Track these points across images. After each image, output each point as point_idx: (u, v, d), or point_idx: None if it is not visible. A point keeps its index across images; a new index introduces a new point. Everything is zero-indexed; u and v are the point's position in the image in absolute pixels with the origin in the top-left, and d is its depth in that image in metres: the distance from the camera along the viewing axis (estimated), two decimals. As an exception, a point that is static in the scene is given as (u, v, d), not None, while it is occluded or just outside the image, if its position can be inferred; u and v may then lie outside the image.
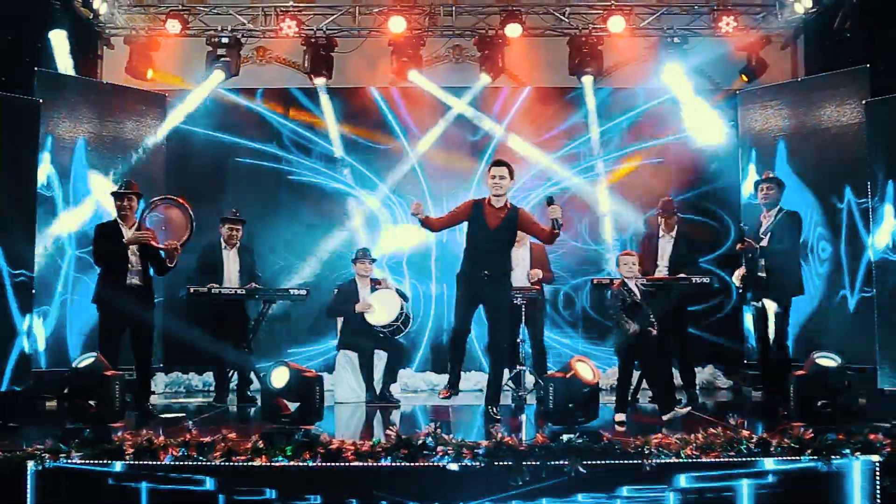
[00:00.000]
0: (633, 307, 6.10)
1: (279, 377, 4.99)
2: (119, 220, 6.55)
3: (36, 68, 7.83)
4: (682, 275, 7.21)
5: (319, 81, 9.26)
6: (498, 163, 6.19)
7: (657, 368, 6.28)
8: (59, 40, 8.18)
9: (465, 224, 6.24)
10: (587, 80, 9.22)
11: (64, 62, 8.27)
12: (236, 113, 9.57)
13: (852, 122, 7.94)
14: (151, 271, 6.73)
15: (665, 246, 7.45)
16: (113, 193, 6.79)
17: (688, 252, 7.42)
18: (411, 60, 9.15)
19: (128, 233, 6.46)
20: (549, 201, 6.07)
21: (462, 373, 8.71)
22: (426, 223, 6.16)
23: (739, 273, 6.57)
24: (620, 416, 6.01)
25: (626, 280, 6.20)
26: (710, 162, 9.29)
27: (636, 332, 6.00)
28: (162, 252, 6.60)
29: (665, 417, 6.02)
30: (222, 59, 8.98)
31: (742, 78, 9.20)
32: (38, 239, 7.38)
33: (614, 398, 6.27)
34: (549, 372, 6.41)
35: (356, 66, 9.45)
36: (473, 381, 8.60)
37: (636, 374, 6.78)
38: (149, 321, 6.70)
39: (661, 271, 7.36)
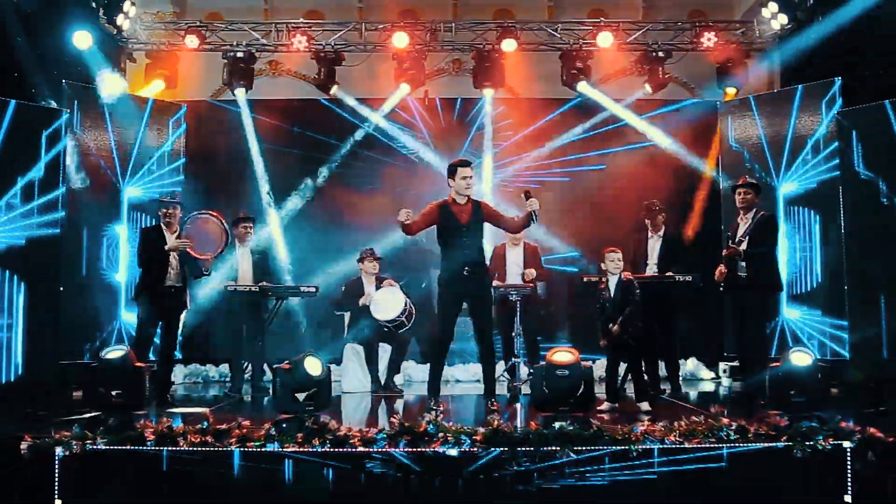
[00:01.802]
0: (614, 305, 6.11)
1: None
2: (163, 226, 6.58)
3: (63, 80, 7.84)
4: (667, 273, 7.23)
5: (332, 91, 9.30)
6: (466, 163, 6.04)
7: (636, 362, 6.29)
8: (85, 54, 8.21)
9: (436, 228, 6.00)
10: (582, 87, 9.24)
11: (89, 75, 8.29)
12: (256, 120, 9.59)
13: (826, 131, 7.96)
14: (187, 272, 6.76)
15: (653, 246, 7.46)
16: (158, 201, 6.80)
17: (675, 251, 7.42)
18: (414, 73, 9.20)
19: (170, 238, 6.51)
20: (527, 195, 5.86)
21: (462, 364, 8.84)
22: (405, 228, 5.89)
23: (720, 272, 6.58)
24: (604, 406, 6.02)
25: (609, 277, 6.20)
26: (693, 168, 9.30)
27: (616, 332, 6.03)
28: (198, 260, 6.64)
29: (638, 403, 6.10)
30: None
31: (726, 93, 9.20)
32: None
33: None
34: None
35: (362, 78, 9.47)
36: (472, 372, 8.60)
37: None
38: (179, 319, 6.72)
39: (651, 269, 7.36)
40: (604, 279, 6.25)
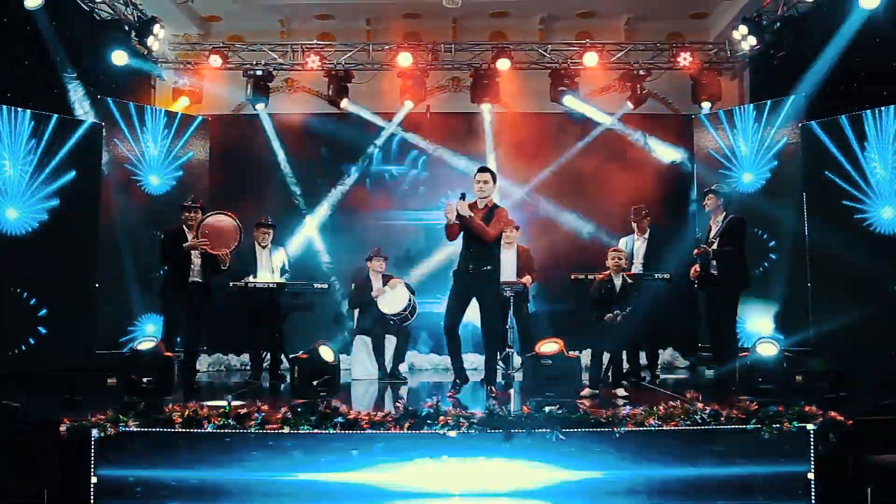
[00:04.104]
0: (608, 297, 6.14)
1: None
2: (185, 228, 6.58)
3: (99, 96, 7.84)
4: (650, 272, 7.22)
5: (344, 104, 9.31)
6: (483, 169, 5.99)
7: (617, 351, 6.30)
8: (119, 72, 8.23)
9: None
10: (568, 101, 9.26)
11: (122, 91, 8.31)
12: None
13: (791, 142, 7.95)
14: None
15: (639, 246, 7.45)
16: (181, 206, 6.79)
17: (659, 251, 7.40)
18: (417, 90, 9.21)
19: (191, 238, 6.50)
20: (463, 197, 5.77)
21: (468, 355, 8.80)
22: (449, 235, 5.85)
23: (695, 270, 6.59)
24: (587, 391, 6.03)
25: (612, 274, 6.24)
26: (670, 176, 9.29)
27: (611, 319, 6.04)
28: (215, 256, 6.63)
29: (614, 391, 6.11)
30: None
31: (701, 107, 9.20)
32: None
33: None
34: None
35: (370, 94, 9.49)
36: (470, 361, 8.57)
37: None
38: (203, 313, 6.71)
39: (637, 268, 7.34)
40: (605, 274, 6.34)
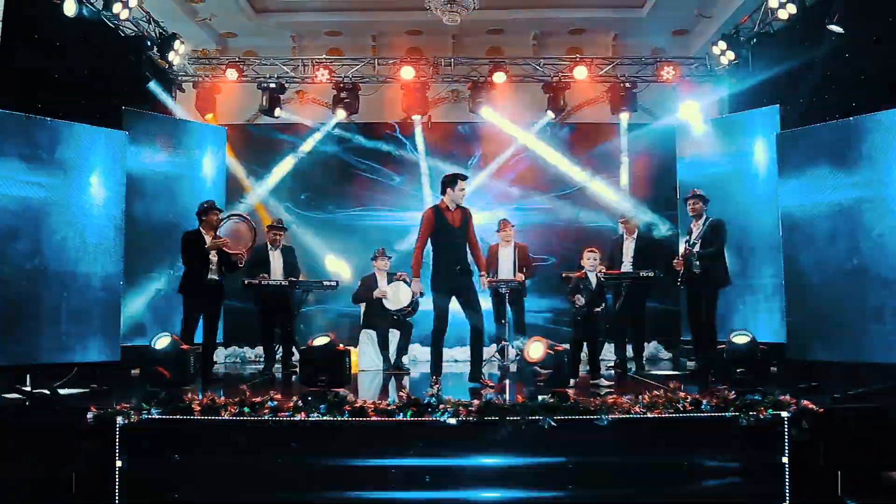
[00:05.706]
0: (584, 291, 6.14)
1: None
2: (202, 230, 6.58)
3: (123, 107, 7.84)
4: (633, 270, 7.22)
5: (342, 115, 9.31)
6: (465, 177, 6.08)
7: (594, 343, 6.29)
8: (141, 84, 8.22)
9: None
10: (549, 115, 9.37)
11: (144, 102, 8.31)
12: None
13: (766, 150, 7.93)
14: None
15: (628, 247, 7.44)
16: (199, 209, 6.78)
17: (646, 251, 7.40)
18: (419, 101, 9.21)
19: (208, 239, 6.51)
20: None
21: (461, 347, 8.80)
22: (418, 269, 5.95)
23: (677, 264, 6.59)
24: (571, 381, 6.01)
25: (587, 272, 6.23)
26: (655, 180, 9.30)
27: (581, 306, 6.05)
28: (232, 256, 6.63)
29: (592, 381, 6.06)
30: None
31: (682, 117, 9.19)
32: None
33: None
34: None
35: (375, 105, 9.49)
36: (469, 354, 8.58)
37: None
38: (220, 308, 6.71)
39: (626, 267, 7.35)
40: (582, 272, 6.29)
